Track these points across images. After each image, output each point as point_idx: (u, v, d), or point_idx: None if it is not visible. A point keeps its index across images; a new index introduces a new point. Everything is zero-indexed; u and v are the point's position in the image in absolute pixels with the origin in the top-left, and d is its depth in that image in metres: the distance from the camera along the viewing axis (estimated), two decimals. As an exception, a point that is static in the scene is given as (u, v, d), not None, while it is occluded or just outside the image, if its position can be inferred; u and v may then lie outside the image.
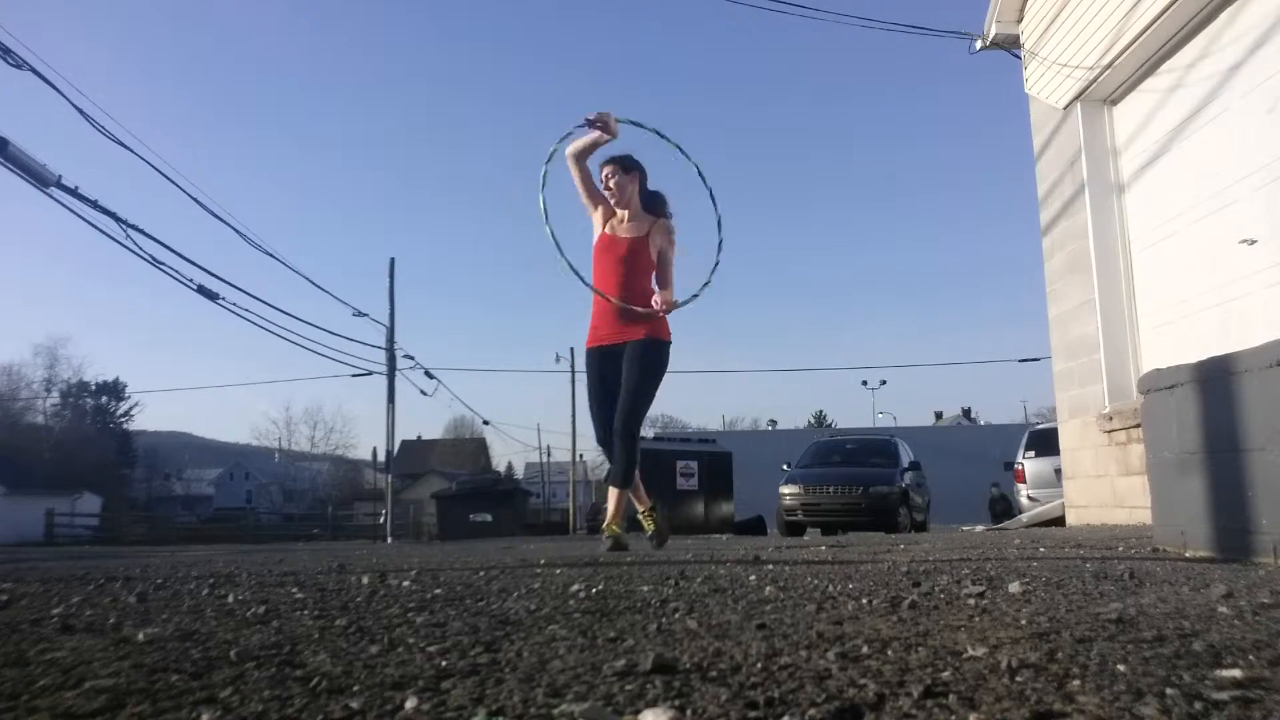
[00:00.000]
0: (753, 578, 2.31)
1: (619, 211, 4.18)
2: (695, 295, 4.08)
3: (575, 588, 2.11)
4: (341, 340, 21.95)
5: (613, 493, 4.02)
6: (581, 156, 4.11)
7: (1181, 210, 6.26)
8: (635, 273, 4.08)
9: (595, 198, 4.21)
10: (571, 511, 33.29)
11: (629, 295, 4.02)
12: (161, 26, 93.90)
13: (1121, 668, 1.06)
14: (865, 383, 49.85)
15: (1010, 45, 8.34)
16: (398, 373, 22.58)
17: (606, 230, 4.17)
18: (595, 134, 4.00)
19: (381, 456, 25.24)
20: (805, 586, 2.08)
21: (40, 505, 31.30)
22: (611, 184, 4.15)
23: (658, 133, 4.18)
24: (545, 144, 4.09)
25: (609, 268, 4.10)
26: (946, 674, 1.04)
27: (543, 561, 3.31)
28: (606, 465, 4.39)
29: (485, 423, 51.79)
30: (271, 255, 14.92)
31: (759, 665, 1.11)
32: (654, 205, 4.25)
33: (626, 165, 4.20)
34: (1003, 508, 17.58)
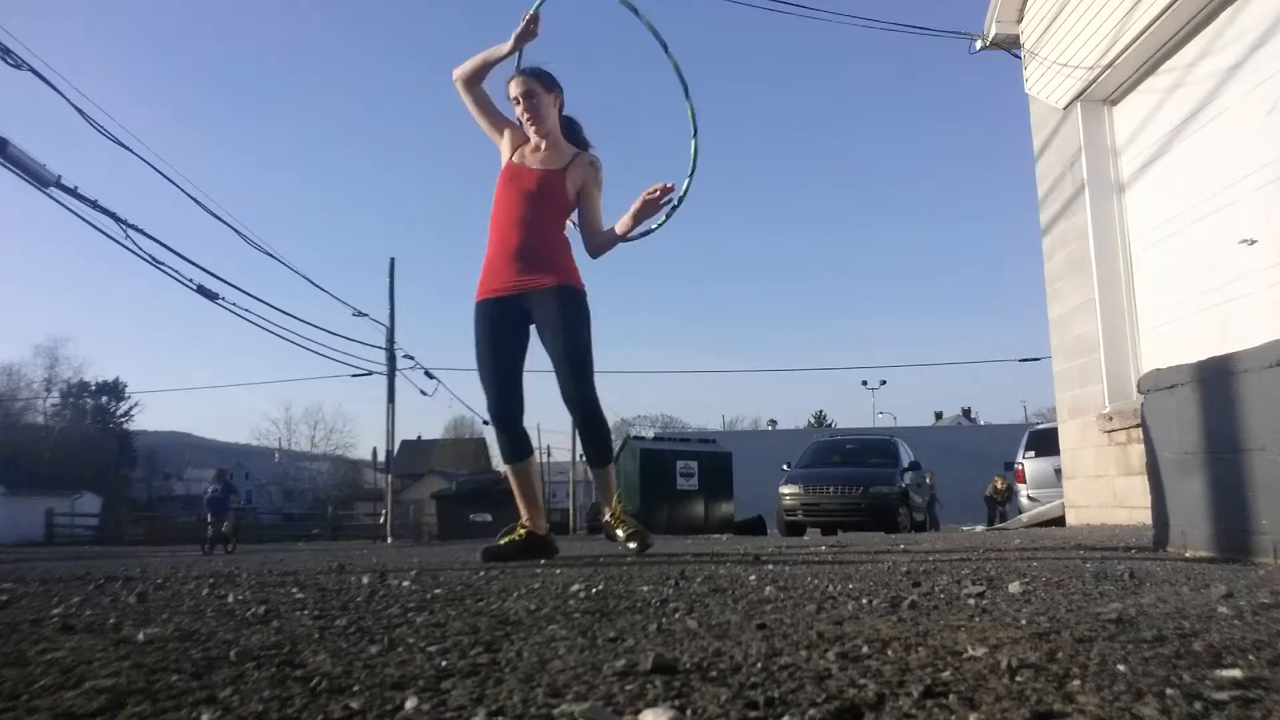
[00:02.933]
0: (753, 578, 2.31)
1: (534, 139, 3.43)
2: (674, 207, 3.36)
3: (575, 588, 2.11)
4: (341, 340, 22.02)
5: (604, 475, 3.43)
6: (474, 80, 3.36)
7: (1181, 210, 6.26)
8: (544, 215, 3.35)
9: (498, 122, 3.46)
10: (571, 511, 33.28)
11: (531, 239, 3.32)
12: (161, 19, 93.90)
13: (1121, 668, 1.06)
14: (865, 383, 49.96)
15: (1010, 45, 8.34)
16: (398, 373, 22.62)
17: (515, 159, 3.40)
18: (496, 49, 3.28)
19: (381, 456, 25.26)
20: (805, 586, 2.08)
21: (40, 505, 31.35)
22: (523, 106, 3.37)
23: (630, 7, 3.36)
24: None
25: (513, 202, 3.34)
26: (946, 674, 1.04)
27: (543, 561, 3.31)
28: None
29: (485, 423, 51.70)
30: (271, 255, 14.97)
31: (759, 665, 1.11)
32: (575, 134, 3.52)
33: (546, 82, 3.40)
34: (1004, 496, 17.47)
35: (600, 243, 3.46)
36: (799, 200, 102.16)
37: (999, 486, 17.97)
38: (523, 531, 3.41)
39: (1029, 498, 11.26)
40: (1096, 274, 6.95)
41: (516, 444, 3.44)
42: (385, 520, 23.16)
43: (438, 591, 2.13)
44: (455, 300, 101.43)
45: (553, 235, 3.39)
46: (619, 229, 3.40)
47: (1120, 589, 1.94)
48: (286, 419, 64.79)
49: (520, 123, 3.44)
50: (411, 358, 23.87)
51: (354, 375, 21.44)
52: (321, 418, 66.14)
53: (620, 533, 3.44)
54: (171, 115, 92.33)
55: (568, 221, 3.48)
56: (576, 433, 3.45)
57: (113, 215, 10.09)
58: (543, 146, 3.43)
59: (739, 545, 5.06)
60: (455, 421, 65.66)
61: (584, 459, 3.48)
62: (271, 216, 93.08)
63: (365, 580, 2.50)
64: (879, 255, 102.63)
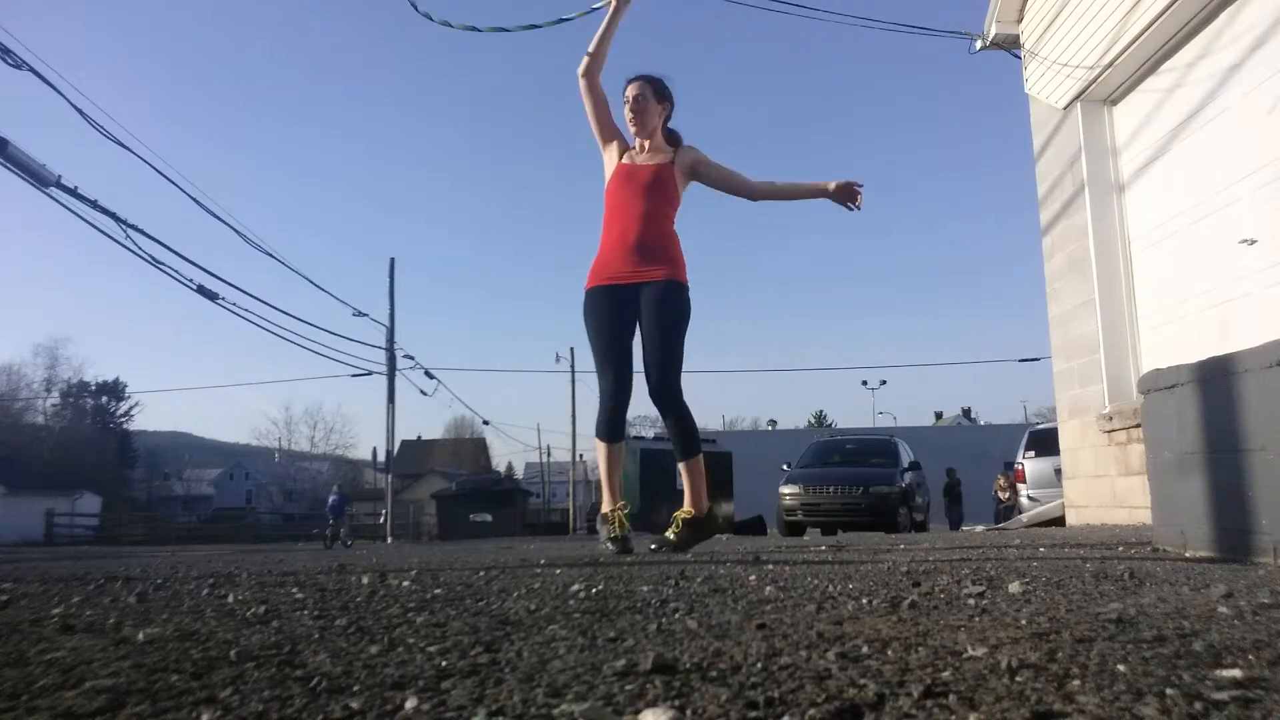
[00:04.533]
0: (753, 578, 2.31)
1: (635, 140, 3.64)
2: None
3: (575, 588, 2.11)
4: (341, 340, 22.03)
5: (688, 468, 3.50)
6: (595, 68, 3.53)
7: (1181, 210, 6.26)
8: (658, 208, 3.52)
9: (609, 130, 3.65)
10: (571, 511, 33.30)
11: (647, 231, 3.47)
12: (161, 19, 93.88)
13: (1121, 668, 1.06)
14: (865, 383, 49.99)
15: (1010, 45, 8.33)
16: (398, 373, 22.63)
17: (624, 160, 3.61)
18: (602, 28, 3.44)
19: (381, 456, 25.26)
20: (805, 586, 2.08)
21: (40, 505, 31.34)
22: (630, 106, 3.59)
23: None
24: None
25: (630, 198, 3.50)
26: (946, 674, 1.04)
27: (543, 561, 3.31)
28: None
29: (485, 423, 51.95)
30: (271, 255, 14.96)
31: (759, 665, 1.11)
32: (674, 138, 3.71)
33: (658, 89, 3.62)
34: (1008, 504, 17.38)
35: (760, 192, 3.64)
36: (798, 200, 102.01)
37: (1001, 485, 17.83)
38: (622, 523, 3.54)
39: (1029, 498, 11.26)
40: (1096, 274, 6.95)
41: (619, 426, 3.57)
42: (385, 520, 23.17)
43: (438, 591, 2.13)
44: (456, 300, 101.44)
45: (666, 227, 3.55)
46: (787, 189, 3.66)
47: (1120, 589, 1.94)
48: (286, 419, 64.89)
49: (627, 122, 3.62)
50: (411, 358, 23.90)
51: (354, 375, 21.47)
52: (321, 418, 66.15)
53: (670, 532, 3.53)
54: (172, 115, 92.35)
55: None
56: (665, 426, 3.61)
57: (113, 215, 10.10)
58: (646, 147, 3.63)
59: (739, 545, 5.06)
60: (455, 421, 65.67)
61: (676, 453, 3.60)
62: (271, 216, 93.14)
63: (365, 580, 2.50)
64: (879, 255, 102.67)
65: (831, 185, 3.52)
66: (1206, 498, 2.89)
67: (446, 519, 20.45)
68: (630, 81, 3.63)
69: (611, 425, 3.53)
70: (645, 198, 3.49)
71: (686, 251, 3.63)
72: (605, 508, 3.62)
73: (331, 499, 20.94)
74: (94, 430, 51.42)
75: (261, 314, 32.04)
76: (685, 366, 3.54)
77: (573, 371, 32.99)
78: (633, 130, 3.62)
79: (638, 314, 3.48)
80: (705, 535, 3.61)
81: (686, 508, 3.53)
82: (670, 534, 3.52)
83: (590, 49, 3.50)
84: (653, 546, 3.53)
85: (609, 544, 3.52)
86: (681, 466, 3.55)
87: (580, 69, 3.54)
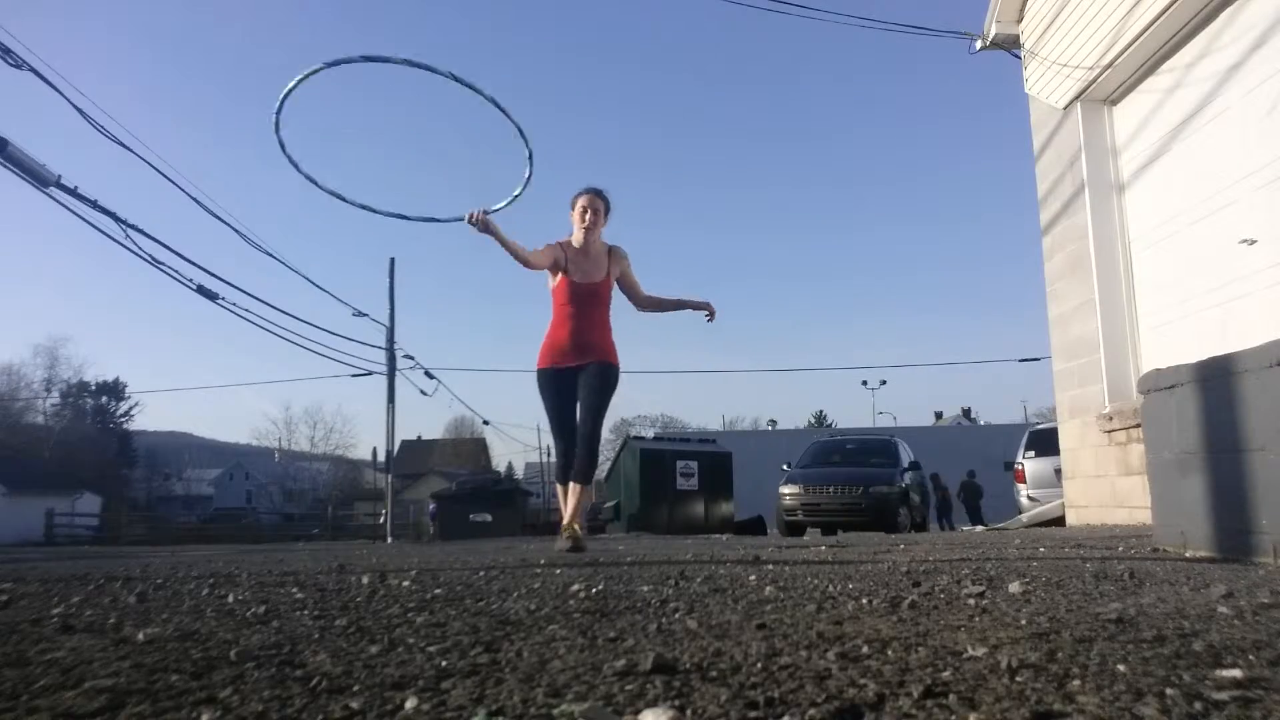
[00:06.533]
0: (753, 578, 2.31)
1: (578, 241, 4.36)
2: (509, 201, 4.11)
3: (575, 588, 2.11)
4: (341, 340, 21.96)
5: (575, 490, 4.31)
6: (520, 258, 4.24)
7: (1181, 210, 6.26)
8: (599, 313, 4.41)
9: (550, 262, 4.35)
10: (571, 511, 33.14)
11: (590, 333, 4.32)
12: (161, 18, 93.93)
13: (1121, 668, 1.06)
14: (865, 383, 49.93)
15: (1010, 45, 8.33)
16: (398, 373, 22.58)
17: (571, 273, 4.36)
18: (516, 252, 4.13)
19: (381, 456, 25.25)
20: (805, 586, 2.08)
21: (40, 505, 31.28)
22: (589, 218, 4.37)
23: (452, 76, 4.00)
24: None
25: (580, 307, 4.35)
26: (946, 674, 1.04)
27: (543, 561, 3.31)
28: (604, 465, 4.55)
29: (485, 423, 51.94)
30: (271, 255, 14.89)
31: (759, 665, 1.11)
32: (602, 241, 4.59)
33: (608, 203, 4.46)
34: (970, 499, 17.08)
35: (645, 305, 4.56)
36: (799, 200, 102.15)
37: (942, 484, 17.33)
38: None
39: (1029, 498, 11.25)
40: (1096, 274, 6.95)
41: (570, 471, 4.44)
42: (385, 520, 23.16)
43: (438, 591, 2.13)
44: (456, 300, 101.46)
45: (604, 326, 4.44)
46: (669, 301, 4.55)
47: (1120, 589, 1.94)
48: (286, 419, 64.65)
49: (578, 227, 4.39)
50: (411, 358, 23.82)
51: (354, 375, 21.41)
52: (321, 418, 66.01)
53: (565, 537, 4.22)
54: (172, 115, 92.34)
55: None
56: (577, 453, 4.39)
57: (113, 215, 10.06)
58: (588, 254, 4.38)
59: (739, 545, 5.06)
60: (455, 421, 65.57)
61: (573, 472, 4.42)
62: (272, 216, 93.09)
63: (365, 580, 2.50)
64: (879, 255, 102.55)
65: (699, 300, 4.51)
66: (1206, 498, 2.89)
67: (446, 519, 20.49)
68: (585, 193, 4.40)
69: (565, 471, 4.39)
70: (593, 308, 4.37)
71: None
72: (565, 521, 4.36)
73: (431, 508, 25.03)
74: (94, 430, 51.35)
75: (261, 314, 31.95)
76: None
77: (573, 371, 32.88)
78: (583, 235, 4.35)
79: (577, 388, 4.33)
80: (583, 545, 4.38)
81: (573, 521, 4.23)
82: (568, 541, 4.18)
83: (518, 258, 4.19)
84: (566, 549, 4.11)
85: (566, 544, 4.19)
86: (575, 487, 4.31)
87: (524, 267, 4.26)
